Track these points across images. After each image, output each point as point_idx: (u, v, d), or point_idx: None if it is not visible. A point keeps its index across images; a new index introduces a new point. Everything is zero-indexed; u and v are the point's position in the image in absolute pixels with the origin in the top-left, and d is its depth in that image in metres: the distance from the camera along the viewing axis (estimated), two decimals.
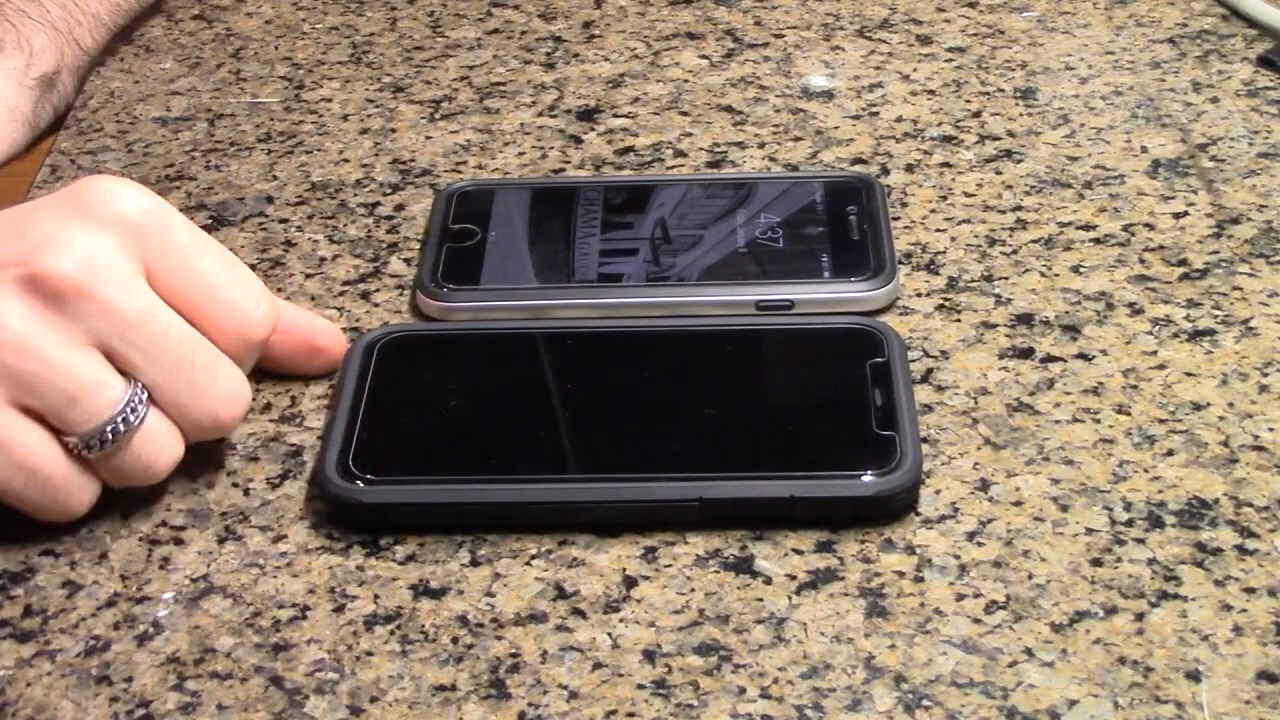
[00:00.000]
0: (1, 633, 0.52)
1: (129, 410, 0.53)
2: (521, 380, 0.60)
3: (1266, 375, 0.59)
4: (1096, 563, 0.53)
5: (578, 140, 0.74)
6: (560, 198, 0.69)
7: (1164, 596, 0.51)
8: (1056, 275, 0.64)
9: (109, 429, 0.52)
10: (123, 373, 0.53)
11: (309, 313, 0.61)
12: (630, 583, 0.53)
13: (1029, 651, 0.50)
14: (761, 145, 0.73)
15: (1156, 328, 0.62)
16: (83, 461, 0.53)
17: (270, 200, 0.71)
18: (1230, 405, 0.58)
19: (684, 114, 0.75)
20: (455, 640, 0.51)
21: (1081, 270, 0.65)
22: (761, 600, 0.52)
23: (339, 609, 0.52)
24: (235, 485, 0.57)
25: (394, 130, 0.75)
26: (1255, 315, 0.62)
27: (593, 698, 0.49)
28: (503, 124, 0.75)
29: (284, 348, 0.59)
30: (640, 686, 0.49)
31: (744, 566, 0.53)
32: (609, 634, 0.51)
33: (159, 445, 0.54)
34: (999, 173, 0.70)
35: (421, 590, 0.53)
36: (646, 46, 0.80)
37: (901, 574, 0.52)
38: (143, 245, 0.53)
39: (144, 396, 0.53)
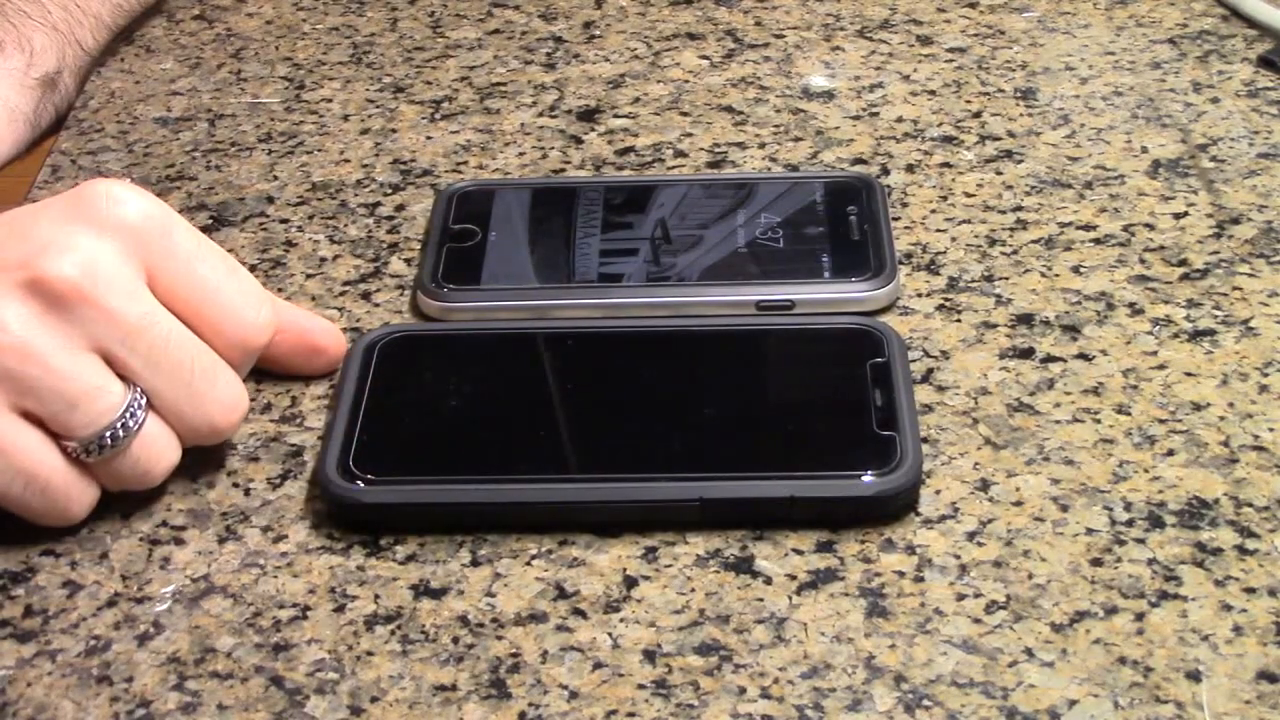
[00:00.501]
0: (2, 633, 0.52)
1: (128, 416, 0.53)
2: (522, 380, 0.60)
3: (1266, 375, 0.60)
4: (1096, 563, 0.53)
5: (578, 140, 0.74)
6: (560, 198, 0.69)
7: (1164, 596, 0.51)
8: (1057, 275, 0.64)
9: (108, 434, 0.52)
10: (122, 378, 0.53)
11: (309, 313, 0.61)
12: (630, 583, 0.53)
13: (1029, 651, 0.50)
14: (762, 145, 0.73)
15: (1156, 328, 0.62)
16: (81, 466, 0.53)
17: (271, 200, 0.71)
18: (1230, 405, 0.58)
19: (684, 114, 0.75)
20: (455, 640, 0.51)
21: (1081, 270, 0.65)
22: (761, 600, 0.52)
23: (339, 609, 0.52)
24: (235, 485, 0.57)
25: (394, 130, 0.75)
26: (1255, 315, 0.62)
27: (593, 698, 0.49)
28: (503, 124, 0.75)
29: (284, 348, 0.59)
30: (640, 686, 0.49)
31: (744, 566, 0.53)
32: (609, 634, 0.51)
33: (157, 451, 0.54)
34: (999, 173, 0.70)
35: (422, 590, 0.53)
36: (647, 47, 0.80)
37: (901, 574, 0.52)
38: (144, 250, 0.53)
39: (143, 402, 0.53)
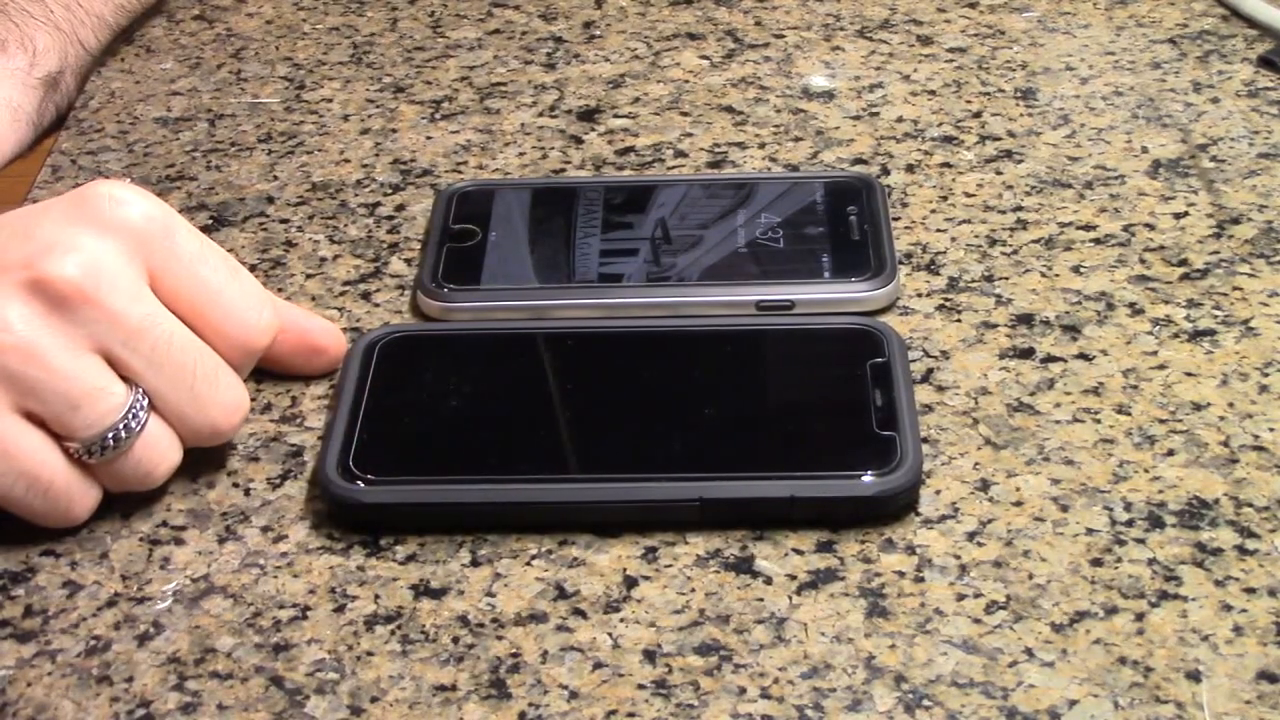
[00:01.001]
0: (2, 633, 0.52)
1: (130, 417, 0.53)
2: (521, 380, 0.60)
3: (1266, 375, 0.60)
4: (1096, 563, 0.53)
5: (578, 140, 0.74)
6: (561, 198, 0.69)
7: (1164, 596, 0.51)
8: (1057, 275, 0.64)
9: (110, 435, 0.52)
10: (124, 379, 0.53)
11: (309, 313, 0.61)
12: (630, 583, 0.53)
13: (1029, 651, 0.50)
14: (762, 145, 0.73)
15: (1156, 328, 0.62)
16: (84, 467, 0.53)
17: (271, 200, 0.71)
18: (1230, 405, 0.58)
19: (684, 114, 0.75)
20: (456, 640, 0.51)
21: (1082, 270, 0.65)
22: (762, 600, 0.52)
23: (339, 609, 0.52)
24: (236, 485, 0.57)
25: (394, 130, 0.75)
26: (1255, 315, 0.62)
27: (593, 698, 0.49)
28: (503, 124, 0.75)
29: (285, 348, 0.59)
30: (640, 686, 0.49)
31: (744, 566, 0.53)
32: (609, 634, 0.51)
33: (159, 452, 0.54)
34: (999, 173, 0.70)
35: (422, 590, 0.53)
36: (647, 47, 0.80)
37: (901, 574, 0.52)
38: (147, 251, 0.53)
39: (145, 403, 0.53)
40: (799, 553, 0.53)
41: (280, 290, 0.65)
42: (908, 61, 0.78)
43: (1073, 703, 0.48)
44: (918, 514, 0.54)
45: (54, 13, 0.77)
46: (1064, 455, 0.56)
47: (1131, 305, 0.63)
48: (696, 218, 0.67)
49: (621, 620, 0.51)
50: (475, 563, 0.54)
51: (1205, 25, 0.80)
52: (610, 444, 0.56)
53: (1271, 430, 0.57)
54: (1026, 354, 0.61)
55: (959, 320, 0.63)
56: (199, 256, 0.54)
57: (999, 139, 0.73)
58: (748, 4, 0.84)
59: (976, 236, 0.67)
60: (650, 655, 0.50)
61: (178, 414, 0.54)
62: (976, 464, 0.56)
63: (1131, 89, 0.76)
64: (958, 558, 0.53)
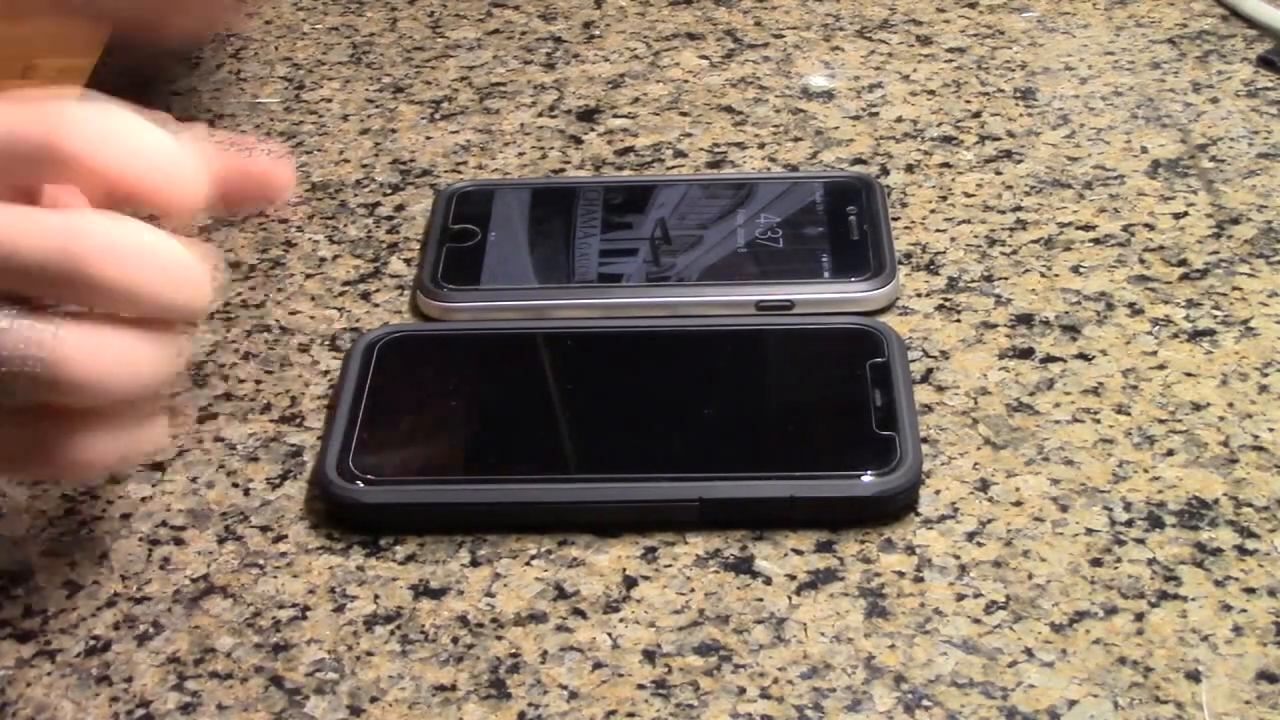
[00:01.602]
0: (1, 633, 0.52)
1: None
2: (521, 380, 0.60)
3: (1266, 375, 0.60)
4: (1096, 563, 0.53)
5: (578, 140, 0.74)
6: (560, 198, 0.69)
7: (1164, 596, 0.51)
8: (1056, 275, 0.64)
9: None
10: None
11: (244, 148, 0.52)
12: (630, 583, 0.53)
13: (1029, 651, 0.50)
14: (761, 145, 0.73)
15: (1156, 328, 0.62)
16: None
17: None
18: (1230, 405, 0.58)
19: (684, 114, 0.75)
20: (455, 640, 0.51)
21: (1081, 270, 0.65)
22: (761, 600, 0.52)
23: (339, 609, 0.52)
24: (235, 485, 0.57)
25: (394, 130, 0.75)
26: (1255, 315, 0.62)
27: (593, 698, 0.49)
28: (503, 124, 0.75)
29: (230, 186, 0.49)
30: (640, 686, 0.49)
31: (744, 566, 0.53)
32: (609, 634, 0.51)
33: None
34: (999, 173, 0.70)
35: (421, 590, 0.53)
36: (646, 47, 0.80)
37: (901, 574, 0.52)
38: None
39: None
40: (799, 553, 0.53)
41: (280, 290, 0.65)
42: (907, 61, 0.78)
43: (1072, 703, 0.48)
44: (917, 514, 0.54)
45: None
46: (1064, 455, 0.56)
47: (1131, 305, 0.63)
48: (696, 218, 0.67)
49: (621, 620, 0.51)
50: (475, 563, 0.54)
51: (1205, 25, 0.80)
52: (610, 444, 0.56)
53: (1271, 430, 0.57)
54: (1026, 354, 0.61)
55: (958, 320, 0.63)
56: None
57: (998, 139, 0.73)
58: (747, 4, 0.84)
59: (976, 236, 0.67)
60: (650, 655, 0.50)
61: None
62: (976, 464, 0.56)
63: (1131, 89, 0.76)
64: (957, 558, 0.53)
